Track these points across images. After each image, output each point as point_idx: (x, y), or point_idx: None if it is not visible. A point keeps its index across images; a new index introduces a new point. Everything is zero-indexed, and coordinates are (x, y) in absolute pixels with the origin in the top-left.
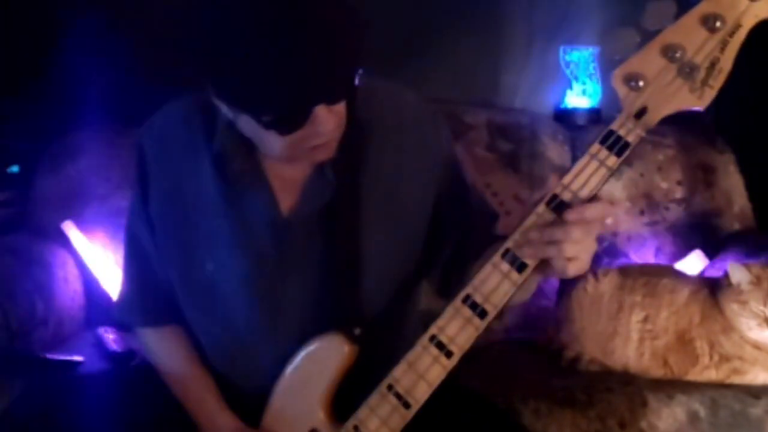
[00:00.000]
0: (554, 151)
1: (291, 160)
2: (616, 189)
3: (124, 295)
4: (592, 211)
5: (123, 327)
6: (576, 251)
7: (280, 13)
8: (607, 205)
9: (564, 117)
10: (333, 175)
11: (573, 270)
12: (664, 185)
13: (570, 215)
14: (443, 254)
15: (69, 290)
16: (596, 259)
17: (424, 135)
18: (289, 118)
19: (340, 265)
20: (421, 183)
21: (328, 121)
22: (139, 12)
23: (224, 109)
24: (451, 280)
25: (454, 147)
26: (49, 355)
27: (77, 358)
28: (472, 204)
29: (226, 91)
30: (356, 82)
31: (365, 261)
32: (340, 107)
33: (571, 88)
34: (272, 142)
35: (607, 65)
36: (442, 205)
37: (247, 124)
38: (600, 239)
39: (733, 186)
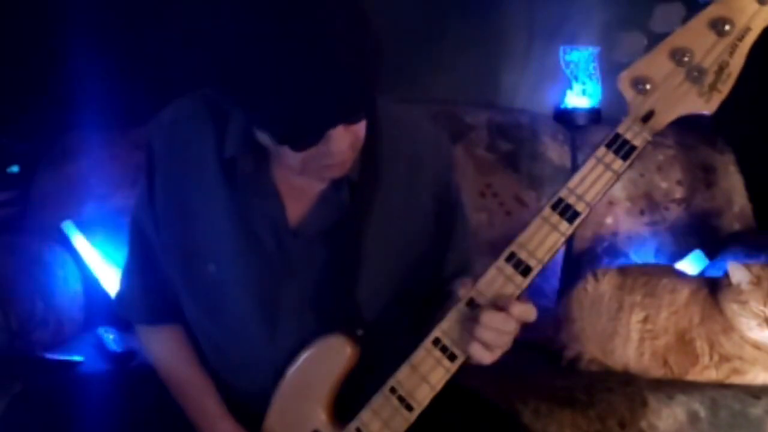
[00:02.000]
0: (554, 151)
1: (303, 174)
2: (616, 189)
3: (125, 290)
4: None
5: (123, 322)
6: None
7: (300, 31)
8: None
9: (564, 117)
10: (348, 194)
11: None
12: (664, 185)
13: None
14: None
15: (69, 290)
16: (596, 259)
17: (438, 164)
18: (303, 136)
19: (342, 276)
20: (429, 207)
21: (343, 140)
22: (139, 12)
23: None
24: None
25: (457, 180)
26: (49, 355)
27: (77, 358)
28: (459, 233)
29: (241, 106)
30: (374, 102)
31: (368, 274)
32: (358, 127)
33: (571, 88)
34: (287, 155)
35: (607, 65)
36: (438, 234)
37: (262, 134)
38: (600, 239)
39: (733, 186)
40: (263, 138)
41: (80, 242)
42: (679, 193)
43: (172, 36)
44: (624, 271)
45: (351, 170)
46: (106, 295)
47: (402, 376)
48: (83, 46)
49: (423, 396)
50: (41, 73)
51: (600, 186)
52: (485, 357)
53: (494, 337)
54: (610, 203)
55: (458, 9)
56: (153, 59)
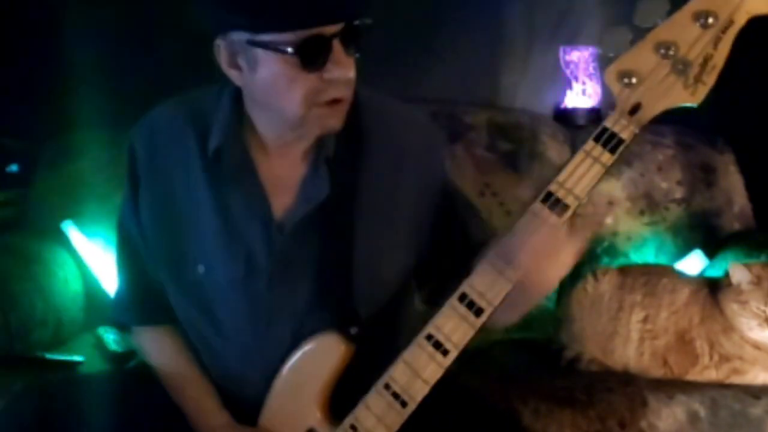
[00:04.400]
0: (554, 151)
1: (302, 126)
2: (616, 189)
3: (118, 295)
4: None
5: (120, 326)
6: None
7: None
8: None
9: (564, 117)
10: (327, 173)
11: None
12: (664, 185)
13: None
14: (435, 271)
15: (69, 290)
16: (596, 259)
17: (426, 153)
18: (311, 47)
19: (332, 268)
20: (417, 197)
21: (346, 65)
22: (140, 12)
23: (234, 76)
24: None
25: (450, 175)
26: (49, 356)
27: (77, 358)
28: (467, 228)
29: (254, 13)
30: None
31: (358, 264)
32: (353, 64)
33: (571, 88)
34: (291, 94)
35: (606, 65)
36: (437, 224)
37: (266, 76)
38: (600, 239)
39: (733, 186)
40: (266, 84)
41: (80, 242)
42: (679, 193)
43: (172, 36)
44: (624, 271)
45: (326, 147)
46: (106, 295)
47: (396, 372)
48: (83, 45)
49: (417, 392)
50: (41, 72)
51: (589, 179)
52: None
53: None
54: (610, 203)
55: (458, 9)
56: (154, 59)
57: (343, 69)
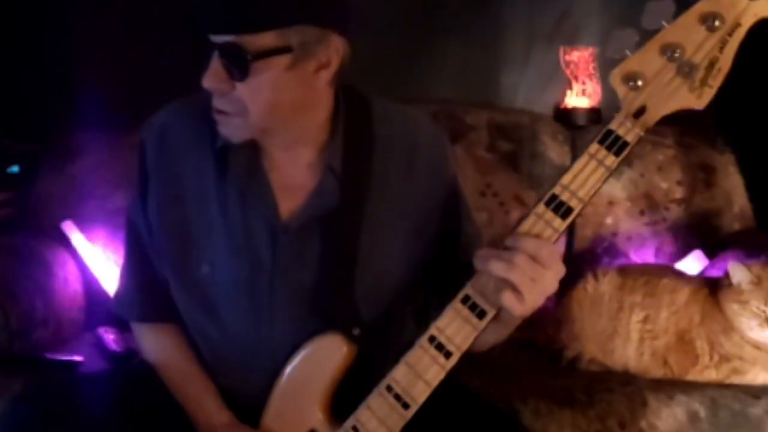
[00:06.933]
0: (554, 151)
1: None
2: (616, 189)
3: (122, 289)
4: (527, 242)
5: (122, 322)
6: (519, 280)
7: None
8: (543, 244)
9: (564, 117)
10: (335, 183)
11: (511, 303)
12: (664, 185)
13: (509, 241)
14: (433, 278)
15: (69, 290)
16: (596, 259)
17: (435, 161)
18: (199, 48)
19: (336, 270)
20: (424, 200)
21: (211, 76)
22: (140, 13)
23: None
24: (430, 306)
25: (458, 178)
26: (49, 356)
27: (77, 358)
28: (466, 237)
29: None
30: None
31: (361, 266)
32: (220, 77)
33: (571, 88)
34: None
35: (607, 65)
36: (441, 227)
37: None
38: (600, 239)
39: (733, 186)
40: None
41: (80, 242)
42: (679, 193)
43: (173, 37)
44: (624, 271)
45: (332, 158)
46: (106, 295)
47: (398, 374)
48: (84, 46)
49: (419, 394)
50: (42, 73)
51: (593, 182)
52: (515, 305)
53: (522, 281)
54: (610, 203)
55: (458, 9)
56: (154, 60)
57: (207, 76)
